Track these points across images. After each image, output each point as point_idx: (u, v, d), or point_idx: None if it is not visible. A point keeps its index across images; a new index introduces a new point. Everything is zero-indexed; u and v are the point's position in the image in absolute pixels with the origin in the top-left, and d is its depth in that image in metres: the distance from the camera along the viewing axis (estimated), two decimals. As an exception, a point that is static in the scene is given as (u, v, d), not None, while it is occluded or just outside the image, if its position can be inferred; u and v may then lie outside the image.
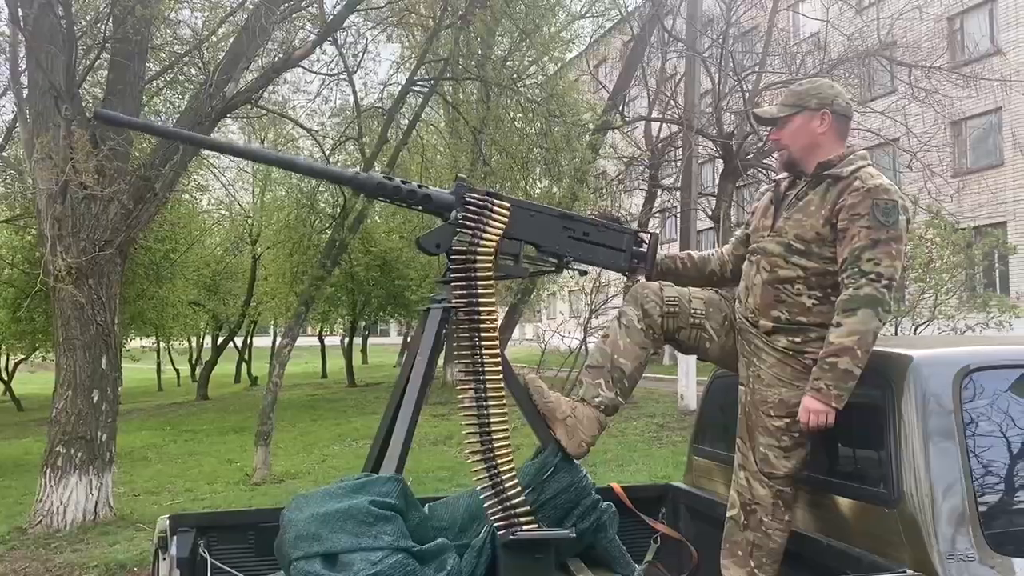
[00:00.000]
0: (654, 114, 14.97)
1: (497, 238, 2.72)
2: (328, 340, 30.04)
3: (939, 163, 13.27)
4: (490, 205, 2.75)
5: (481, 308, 2.70)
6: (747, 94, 12.22)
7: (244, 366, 28.26)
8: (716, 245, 13.76)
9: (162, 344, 26.05)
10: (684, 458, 9.76)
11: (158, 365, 28.32)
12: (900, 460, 2.40)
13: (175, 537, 3.03)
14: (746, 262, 2.95)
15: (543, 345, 9.76)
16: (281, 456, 11.52)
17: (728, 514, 2.83)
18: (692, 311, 2.87)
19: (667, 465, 9.46)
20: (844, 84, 13.41)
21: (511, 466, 2.63)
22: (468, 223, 2.72)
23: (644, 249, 3.00)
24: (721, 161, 13.59)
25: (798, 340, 2.73)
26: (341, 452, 12.26)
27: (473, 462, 2.63)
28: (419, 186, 2.77)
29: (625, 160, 16.07)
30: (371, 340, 38.06)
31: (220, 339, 25.69)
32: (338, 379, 26.03)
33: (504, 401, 2.68)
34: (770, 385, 2.75)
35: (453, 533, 2.68)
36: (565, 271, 3.03)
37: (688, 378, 13.83)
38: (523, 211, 2.84)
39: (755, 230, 2.95)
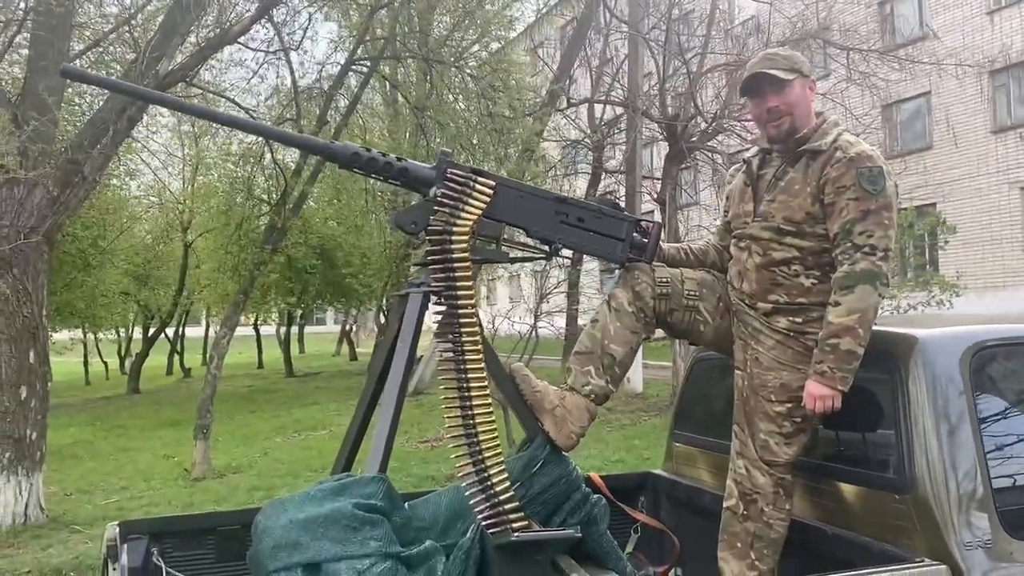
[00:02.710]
0: (597, 96, 14.86)
1: (475, 218, 2.52)
2: (263, 330, 29.35)
3: (878, 145, 13.46)
4: (472, 182, 2.55)
5: (459, 292, 2.51)
6: (691, 76, 12.19)
7: (176, 357, 27.44)
8: (663, 227, 13.75)
9: (90, 335, 25.06)
10: (636, 441, 9.80)
11: (85, 358, 27.29)
12: (911, 444, 2.30)
13: (125, 545, 2.79)
14: (733, 247, 2.82)
15: (493, 331, 9.58)
16: (221, 450, 11.15)
17: (725, 504, 2.71)
18: (685, 292, 2.72)
19: (619, 449, 9.43)
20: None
21: (499, 460, 2.46)
22: (447, 201, 2.52)
23: (646, 240, 2.75)
24: (665, 144, 13.56)
25: (799, 320, 2.61)
26: (283, 444, 11.94)
27: (457, 457, 2.45)
28: (397, 159, 2.56)
29: (568, 143, 15.96)
30: (308, 329, 37.36)
31: (151, 330, 24.84)
32: (275, 369, 25.49)
33: (488, 391, 2.51)
34: (770, 368, 2.63)
35: (436, 533, 2.49)
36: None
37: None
38: (511, 191, 2.63)
39: (735, 216, 2.81)
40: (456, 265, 2.50)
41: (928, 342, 2.41)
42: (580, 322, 16.62)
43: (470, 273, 2.54)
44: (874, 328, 2.49)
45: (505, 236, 2.72)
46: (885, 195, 2.49)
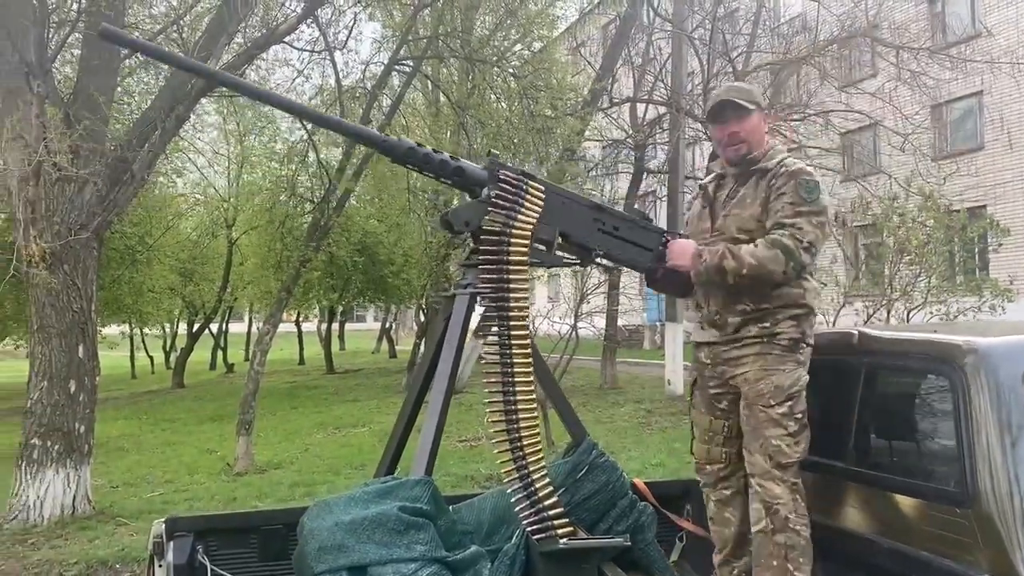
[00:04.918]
0: (640, 96, 14.74)
1: (535, 222, 2.52)
2: (304, 326, 29.62)
3: (928, 146, 13.20)
4: (525, 186, 2.54)
5: (512, 295, 2.49)
6: (736, 75, 12.03)
7: (220, 353, 27.82)
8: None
9: (136, 330, 25.52)
10: (677, 444, 9.70)
11: (131, 352, 27.81)
12: (973, 456, 2.22)
13: (171, 542, 2.81)
14: None
15: (533, 331, 9.54)
16: (263, 445, 11.26)
17: (755, 529, 2.75)
18: (725, 433, 2.94)
19: (660, 452, 9.34)
20: (831, 66, 13.29)
21: (542, 465, 2.43)
22: (502, 203, 2.51)
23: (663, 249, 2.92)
24: (708, 144, 13.40)
25: (767, 324, 2.78)
26: (324, 441, 12.02)
27: (502, 462, 2.42)
28: (451, 158, 2.56)
29: (610, 143, 15.87)
30: (348, 326, 37.62)
31: (195, 325, 25.22)
32: (316, 366, 25.70)
33: (534, 396, 2.48)
34: (760, 378, 2.76)
35: (480, 538, 2.47)
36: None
37: (675, 362, 13.70)
38: (556, 197, 2.68)
39: (695, 235, 3.03)
40: (512, 267, 2.49)
41: (992, 350, 2.33)
42: (620, 322, 16.50)
43: (525, 276, 2.54)
44: (933, 336, 2.44)
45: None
46: (818, 203, 2.79)
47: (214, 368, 27.89)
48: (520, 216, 2.51)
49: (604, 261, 2.93)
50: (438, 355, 2.50)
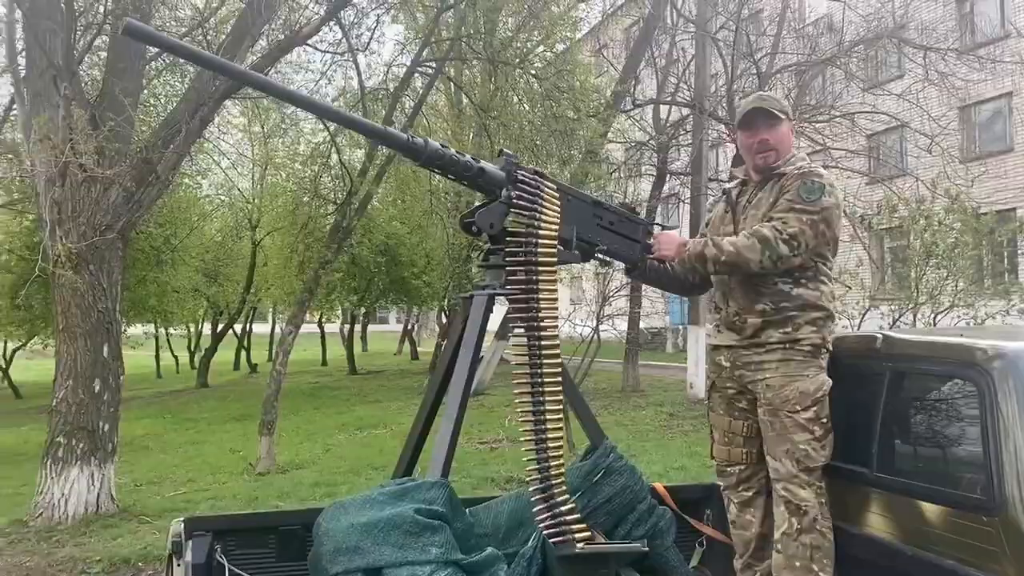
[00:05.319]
0: (663, 97, 14.67)
1: (558, 222, 2.52)
2: (327, 327, 29.76)
3: (956, 148, 13.03)
4: (542, 185, 2.53)
5: (542, 298, 2.48)
6: (761, 77, 11.95)
7: (243, 353, 28.01)
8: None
9: (161, 330, 25.77)
10: (698, 448, 9.64)
11: (156, 352, 28.08)
12: (1000, 463, 2.17)
13: (190, 542, 2.81)
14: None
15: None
16: (285, 445, 11.30)
17: (778, 533, 2.75)
18: (746, 433, 2.95)
19: (681, 455, 9.28)
20: (857, 67, 13.16)
21: (561, 470, 2.41)
22: (524, 203, 2.50)
23: (651, 241, 3.00)
24: (732, 145, 13.32)
25: (789, 329, 2.81)
26: (346, 441, 12.05)
27: (528, 459, 2.41)
28: (473, 159, 2.56)
29: (633, 145, 15.80)
30: (370, 327, 37.75)
31: (220, 326, 25.41)
32: (338, 367, 25.81)
33: (561, 398, 2.46)
34: (784, 384, 2.78)
35: (497, 540, 2.46)
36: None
37: (698, 366, 13.61)
38: (564, 194, 2.67)
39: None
40: (541, 268, 2.49)
41: (1020, 354, 2.28)
42: (642, 325, 16.42)
43: (554, 276, 2.53)
44: (959, 339, 2.43)
45: None
46: (816, 203, 2.81)
47: (238, 368, 28.09)
48: (544, 216, 2.50)
49: (602, 256, 2.94)
50: (456, 356, 2.49)
